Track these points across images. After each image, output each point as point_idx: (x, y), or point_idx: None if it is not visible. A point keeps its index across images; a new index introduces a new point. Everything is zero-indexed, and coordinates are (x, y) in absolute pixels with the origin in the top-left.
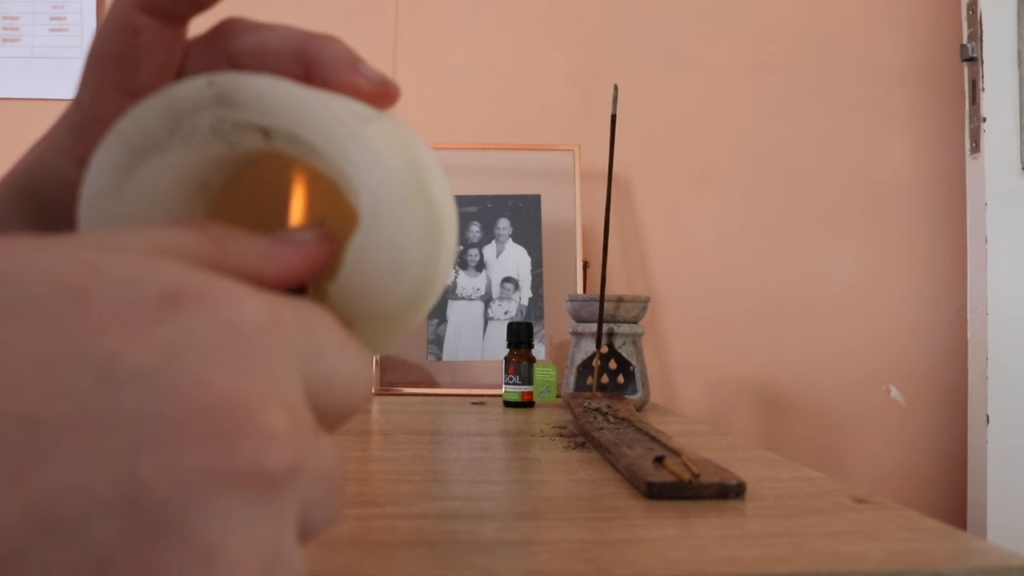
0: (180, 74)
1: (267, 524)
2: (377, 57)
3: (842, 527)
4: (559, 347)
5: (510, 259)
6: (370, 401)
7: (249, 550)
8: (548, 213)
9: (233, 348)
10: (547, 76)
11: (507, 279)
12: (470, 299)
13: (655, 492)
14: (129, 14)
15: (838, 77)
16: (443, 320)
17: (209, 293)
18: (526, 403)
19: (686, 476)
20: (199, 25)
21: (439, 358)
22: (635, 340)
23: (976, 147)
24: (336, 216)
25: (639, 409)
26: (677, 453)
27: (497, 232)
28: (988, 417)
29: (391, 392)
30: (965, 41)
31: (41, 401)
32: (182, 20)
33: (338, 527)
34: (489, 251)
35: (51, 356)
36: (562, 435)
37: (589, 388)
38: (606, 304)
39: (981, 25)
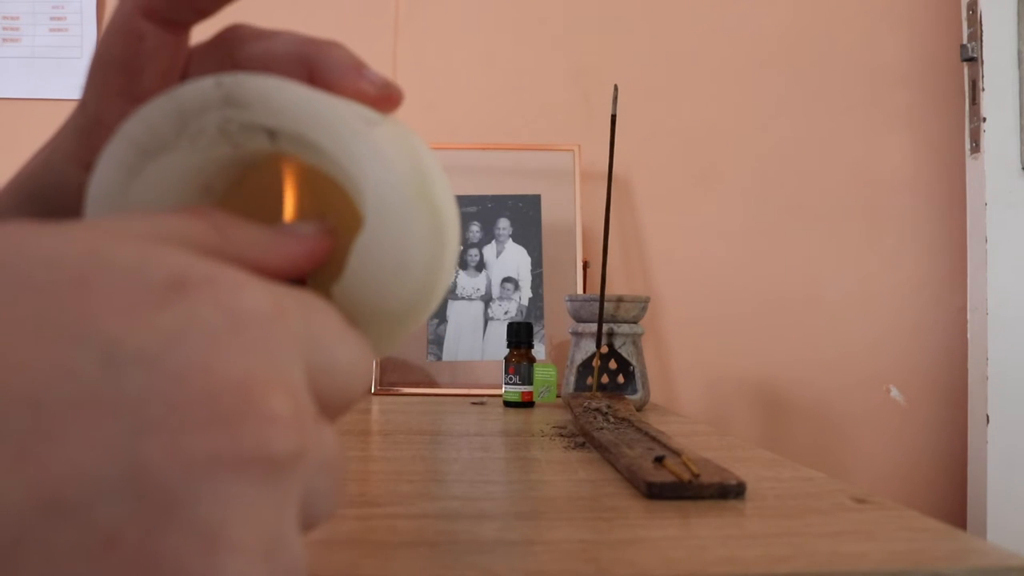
0: (184, 79)
1: (270, 508)
2: (377, 57)
3: (842, 527)
4: (559, 347)
5: (510, 259)
6: (370, 386)
7: (252, 533)
8: (548, 213)
9: (236, 334)
10: (547, 76)
11: (507, 279)
12: (470, 299)
13: (655, 492)
14: (132, 20)
15: (838, 77)
16: (443, 320)
17: (212, 280)
18: (526, 403)
19: (686, 476)
20: (204, 30)
21: (439, 358)
22: (635, 340)
23: (976, 147)
24: (337, 217)
25: (639, 409)
26: (677, 453)
27: (497, 232)
28: (988, 417)
29: (391, 392)
30: (965, 41)
31: (45, 384)
32: (184, 26)
33: (338, 527)
34: (489, 251)
35: (54, 339)
36: (562, 435)
37: (589, 388)
38: (606, 304)
39: (981, 25)
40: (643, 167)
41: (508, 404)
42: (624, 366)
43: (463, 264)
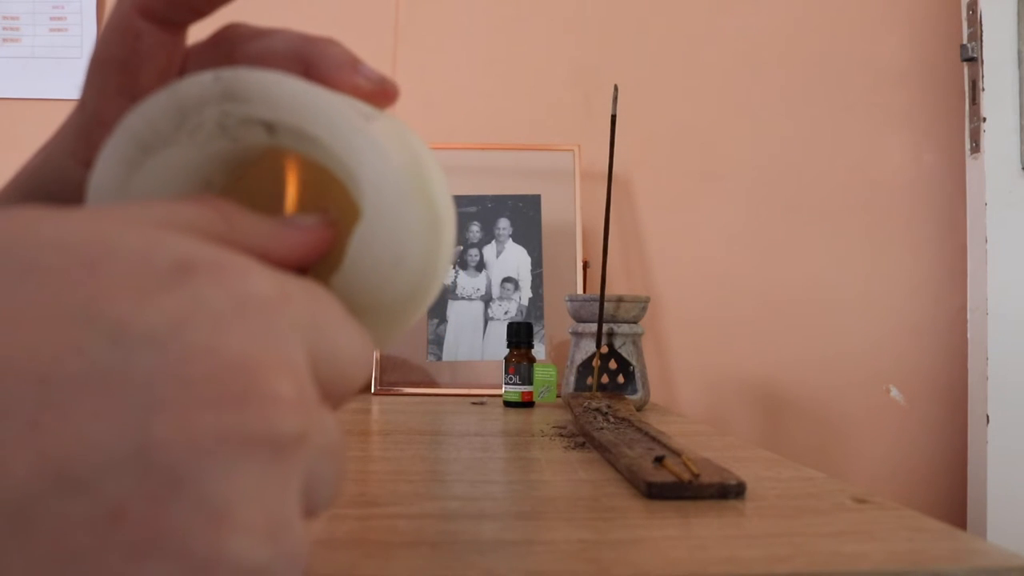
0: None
1: (274, 488)
2: (377, 57)
3: (842, 527)
4: (559, 347)
5: (510, 259)
6: (370, 377)
7: (256, 511)
8: (548, 213)
9: (242, 317)
10: (547, 76)
11: (507, 279)
12: (470, 299)
13: (655, 492)
14: (129, 19)
15: (838, 77)
16: (443, 320)
17: (219, 264)
18: (526, 403)
19: (686, 476)
20: (203, 30)
21: (439, 358)
22: (635, 340)
23: (976, 147)
24: (335, 211)
25: (639, 409)
26: (677, 453)
27: (497, 232)
28: (988, 417)
29: (391, 392)
30: (965, 41)
31: (55, 361)
32: (181, 26)
33: (338, 527)
34: (489, 251)
35: (64, 319)
36: (562, 435)
37: (589, 388)
38: (606, 304)
39: (981, 25)
40: (643, 167)
41: (508, 404)
42: (624, 366)
43: (463, 264)
